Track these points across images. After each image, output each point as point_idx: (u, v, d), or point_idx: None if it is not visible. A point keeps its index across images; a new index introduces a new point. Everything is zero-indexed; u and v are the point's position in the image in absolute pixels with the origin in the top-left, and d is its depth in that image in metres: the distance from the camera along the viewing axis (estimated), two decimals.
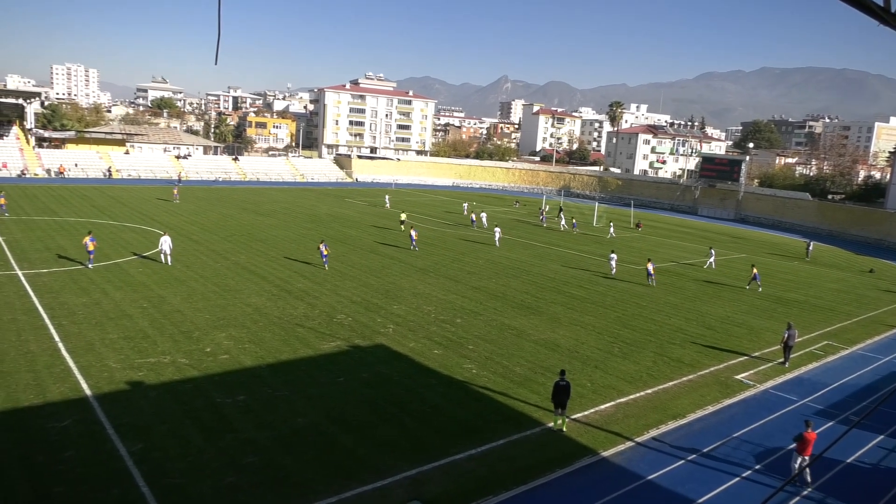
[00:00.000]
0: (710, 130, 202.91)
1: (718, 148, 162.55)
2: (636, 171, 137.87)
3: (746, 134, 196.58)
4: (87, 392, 18.02)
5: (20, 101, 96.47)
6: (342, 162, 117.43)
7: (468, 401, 19.51)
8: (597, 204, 77.98)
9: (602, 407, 19.75)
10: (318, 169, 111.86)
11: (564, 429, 17.75)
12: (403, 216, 55.94)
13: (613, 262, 40.46)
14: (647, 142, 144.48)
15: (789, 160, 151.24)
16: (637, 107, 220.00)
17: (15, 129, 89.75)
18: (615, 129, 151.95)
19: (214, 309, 26.84)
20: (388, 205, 71.22)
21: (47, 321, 23.74)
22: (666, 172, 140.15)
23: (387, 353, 23.24)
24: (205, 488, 13.77)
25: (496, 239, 49.11)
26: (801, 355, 26.43)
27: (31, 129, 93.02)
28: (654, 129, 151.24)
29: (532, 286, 35.73)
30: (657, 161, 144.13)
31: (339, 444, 16.24)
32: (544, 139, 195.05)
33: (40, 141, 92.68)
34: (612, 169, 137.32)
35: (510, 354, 23.87)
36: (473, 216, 60.80)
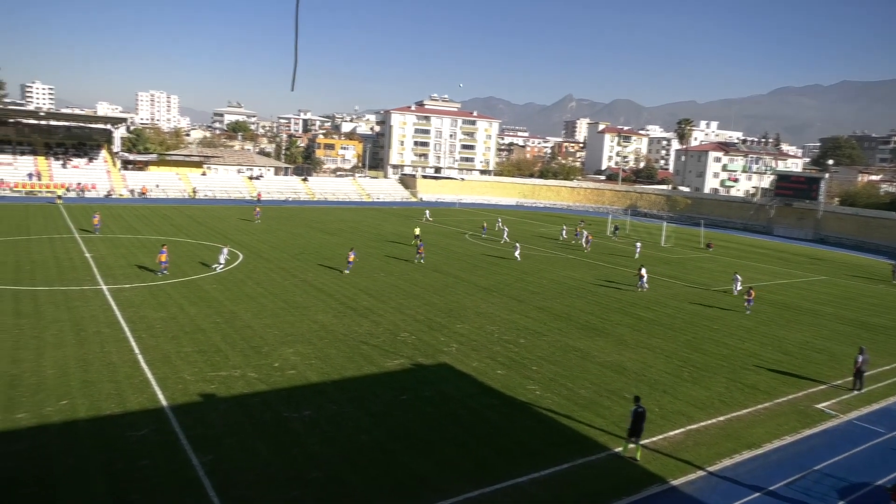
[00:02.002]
0: (785, 147, 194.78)
1: (795, 165, 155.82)
2: (706, 190, 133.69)
3: (825, 150, 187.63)
4: (164, 403, 18.78)
5: (108, 126, 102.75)
6: (407, 182, 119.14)
7: (531, 423, 19.22)
8: (665, 224, 75.99)
9: (671, 433, 19.06)
10: (383, 189, 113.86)
11: (639, 457, 17.17)
12: (417, 231, 57.07)
13: (644, 280, 40.85)
14: (717, 159, 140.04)
15: (873, 177, 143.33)
16: (707, 124, 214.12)
17: (103, 153, 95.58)
18: (684, 146, 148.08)
19: (283, 325, 27.57)
20: (428, 218, 75.75)
21: (128, 334, 24.96)
22: (738, 191, 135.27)
23: (450, 371, 23.23)
24: (271, 501, 14.05)
25: (516, 254, 49.42)
26: (888, 385, 24.81)
27: (117, 153, 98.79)
28: (725, 147, 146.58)
29: (597, 307, 35.05)
30: (729, 179, 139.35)
31: (401, 462, 16.28)
32: (610, 158, 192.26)
33: (125, 163, 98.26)
34: (680, 188, 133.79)
35: (575, 376, 23.42)
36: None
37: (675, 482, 16.15)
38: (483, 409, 20.00)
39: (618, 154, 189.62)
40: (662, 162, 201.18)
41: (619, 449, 17.53)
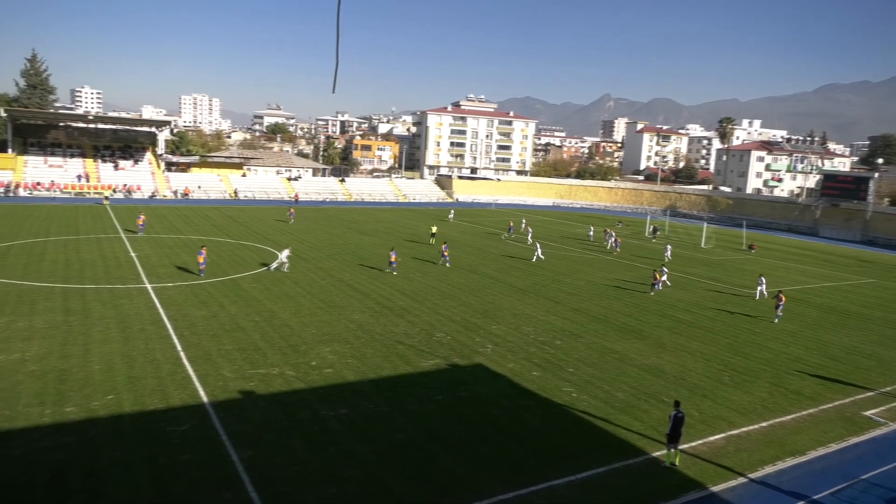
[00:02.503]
0: (832, 146, 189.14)
1: (842, 164, 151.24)
2: (748, 190, 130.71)
3: (875, 149, 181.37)
4: (205, 399, 19.21)
5: (153, 129, 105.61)
6: (443, 182, 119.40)
7: (567, 425, 19.07)
8: (705, 224, 74.51)
9: (711, 439, 18.69)
10: (419, 189, 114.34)
11: (678, 462, 16.86)
12: (434, 229, 57.58)
13: (665, 277, 40.70)
14: (760, 159, 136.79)
15: None
16: (750, 122, 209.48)
17: (148, 155, 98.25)
18: (725, 146, 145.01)
19: (320, 324, 27.92)
20: (451, 219, 75.66)
21: (171, 331, 25.60)
22: (782, 191, 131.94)
23: (485, 372, 23.21)
24: (308, 498, 14.25)
25: (537, 255, 48.67)
26: None
27: (161, 155, 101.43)
28: (768, 146, 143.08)
29: (635, 309, 34.58)
30: (772, 179, 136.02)
31: (437, 461, 16.33)
32: (649, 157, 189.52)
33: (169, 165, 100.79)
34: (721, 188, 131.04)
35: (612, 379, 23.15)
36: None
37: (714, 488, 15.83)
38: (519, 410, 19.92)
39: (657, 154, 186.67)
40: (703, 162, 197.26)
41: (659, 453, 17.26)
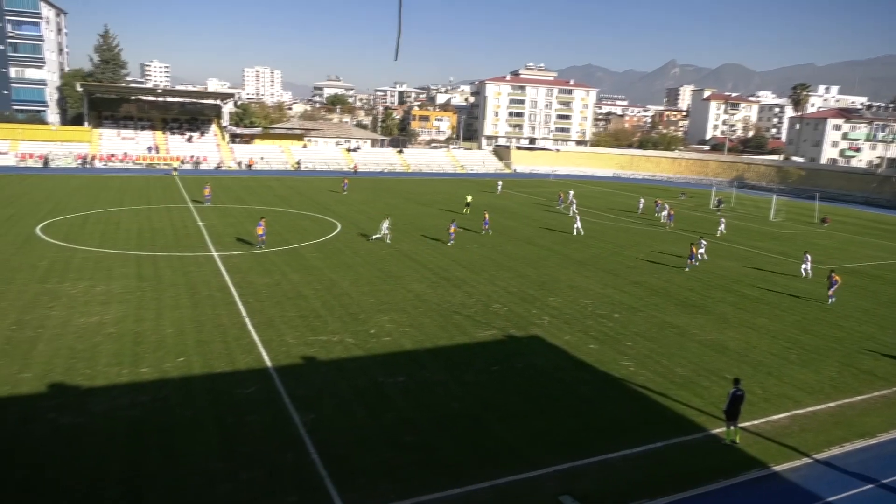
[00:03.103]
0: None
1: None
2: (823, 161, 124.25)
3: None
4: (268, 364, 19.95)
5: (218, 101, 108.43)
6: (501, 153, 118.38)
7: (624, 399, 18.92)
8: (774, 196, 71.44)
9: (774, 417, 18.18)
10: (477, 160, 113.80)
11: (738, 440, 16.52)
12: (469, 199, 57.36)
13: (703, 250, 39.15)
14: (837, 127, 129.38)
15: None
16: (826, 88, 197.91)
17: (213, 127, 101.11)
18: (799, 113, 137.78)
19: (378, 293, 28.41)
20: (499, 190, 73.93)
21: (236, 298, 26.58)
22: (860, 161, 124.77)
23: (541, 344, 23.19)
24: (366, 461, 14.69)
25: (576, 227, 47.00)
26: None
27: (226, 127, 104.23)
28: (846, 113, 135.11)
29: (698, 283, 33.69)
30: (849, 149, 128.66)
31: (492, 431, 16.51)
32: (715, 127, 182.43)
33: (233, 137, 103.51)
34: (793, 158, 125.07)
35: (671, 354, 22.75)
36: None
37: (777, 468, 15.45)
38: (575, 383, 19.87)
39: (724, 122, 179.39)
40: (774, 131, 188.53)
41: (719, 431, 16.93)
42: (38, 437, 14.95)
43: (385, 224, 40.55)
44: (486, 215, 46.78)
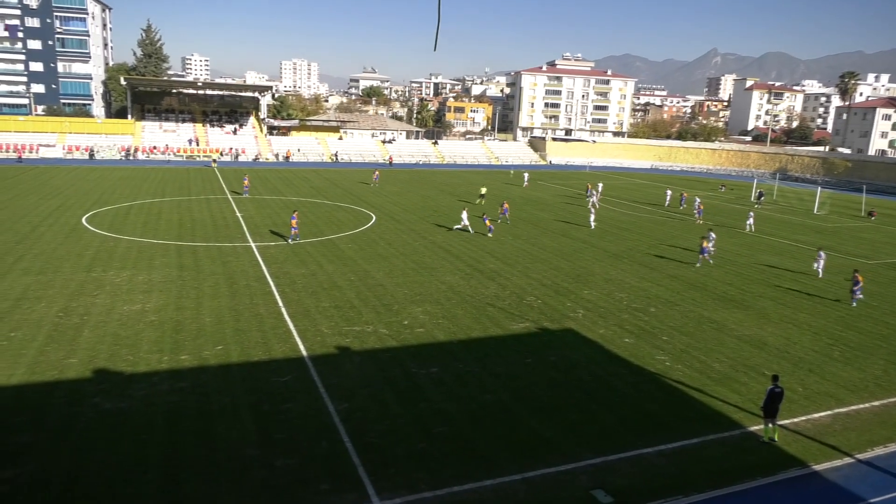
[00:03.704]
0: None
1: None
2: (871, 152, 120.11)
3: None
4: (304, 353, 20.24)
5: (256, 94, 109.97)
6: (536, 144, 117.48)
7: (659, 394, 18.66)
8: (819, 189, 69.37)
9: (816, 416, 17.72)
10: (512, 152, 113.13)
11: (776, 438, 16.17)
12: (483, 190, 57.10)
13: (711, 244, 36.49)
14: (887, 117, 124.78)
15: None
16: (876, 77, 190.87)
17: (252, 119, 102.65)
18: (846, 103, 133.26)
19: (412, 285, 28.55)
20: (526, 182, 72.07)
21: (273, 288, 27.01)
22: None
23: (575, 337, 23.01)
24: (399, 450, 14.82)
25: (591, 220, 46.14)
26: None
27: (263, 119, 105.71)
28: None
29: (737, 277, 32.98)
30: None
31: (524, 423, 16.48)
32: (758, 117, 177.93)
33: (271, 129, 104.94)
34: (840, 149, 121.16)
35: (709, 349, 22.34)
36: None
37: (817, 467, 15.08)
38: (609, 376, 19.68)
39: (767, 113, 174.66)
40: (820, 121, 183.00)
41: (757, 428, 16.58)
42: (84, 420, 15.46)
43: (464, 214, 41.77)
44: (505, 205, 46.69)
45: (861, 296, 29.02)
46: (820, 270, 33.87)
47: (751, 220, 48.67)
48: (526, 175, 75.51)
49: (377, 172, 69.98)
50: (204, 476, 13.43)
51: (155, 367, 18.61)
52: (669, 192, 63.07)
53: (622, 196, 64.50)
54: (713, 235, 38.13)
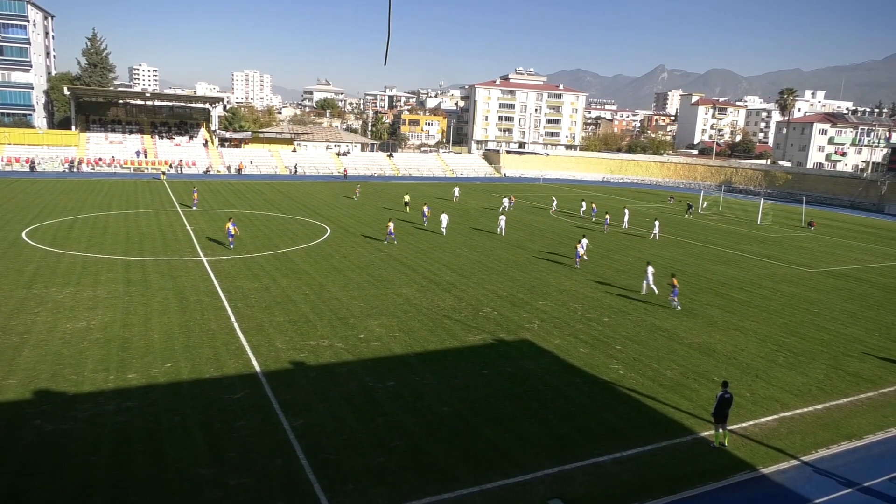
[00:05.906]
0: None
1: None
2: (809, 165, 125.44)
3: None
4: (257, 369, 19.84)
5: (207, 105, 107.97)
6: (491, 157, 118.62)
7: (614, 402, 18.96)
8: (762, 200, 72.00)
9: (763, 420, 18.29)
10: (467, 164, 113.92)
11: (726, 443, 16.59)
12: (407, 197, 59.77)
13: (584, 249, 38.03)
14: (823, 132, 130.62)
15: None
16: (812, 93, 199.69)
17: (202, 131, 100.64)
18: (786, 118, 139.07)
19: (368, 298, 28.34)
20: (456, 197, 69.39)
21: (225, 303, 26.43)
22: (846, 166, 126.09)
23: (531, 348, 23.21)
24: (357, 466, 14.63)
25: (500, 227, 47.69)
26: None
27: (215, 131, 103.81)
28: (832, 118, 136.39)
29: (686, 287, 33.81)
30: (835, 153, 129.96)
31: (482, 435, 16.50)
32: (703, 131, 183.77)
33: (222, 141, 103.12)
34: (780, 162, 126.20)
35: (660, 357, 22.84)
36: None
37: (765, 470, 15.55)
38: (565, 386, 19.89)
39: (712, 127, 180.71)
40: (761, 136, 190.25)
41: (708, 433, 17.01)
42: (24, 443, 14.77)
43: (445, 217, 46.03)
44: (425, 209, 50.26)
45: (677, 305, 29.10)
46: (648, 287, 31.27)
47: (656, 230, 50.21)
48: (456, 189, 72.63)
49: (359, 186, 70.87)
50: (154, 498, 12.98)
51: (101, 387, 17.94)
52: (584, 204, 64.07)
53: (572, 207, 65.49)
54: (585, 241, 38.94)
